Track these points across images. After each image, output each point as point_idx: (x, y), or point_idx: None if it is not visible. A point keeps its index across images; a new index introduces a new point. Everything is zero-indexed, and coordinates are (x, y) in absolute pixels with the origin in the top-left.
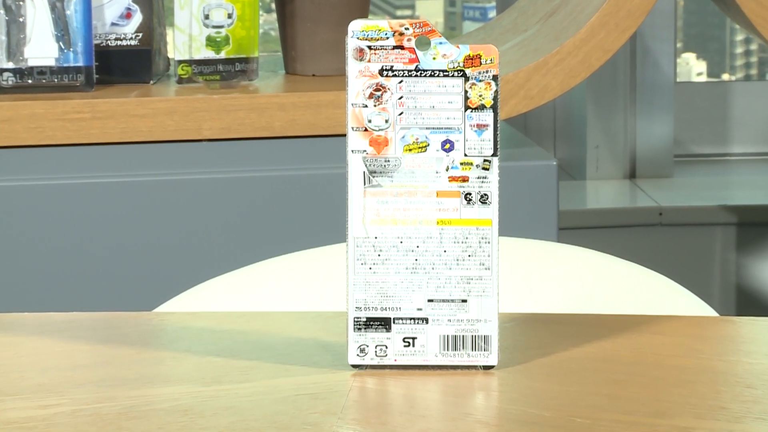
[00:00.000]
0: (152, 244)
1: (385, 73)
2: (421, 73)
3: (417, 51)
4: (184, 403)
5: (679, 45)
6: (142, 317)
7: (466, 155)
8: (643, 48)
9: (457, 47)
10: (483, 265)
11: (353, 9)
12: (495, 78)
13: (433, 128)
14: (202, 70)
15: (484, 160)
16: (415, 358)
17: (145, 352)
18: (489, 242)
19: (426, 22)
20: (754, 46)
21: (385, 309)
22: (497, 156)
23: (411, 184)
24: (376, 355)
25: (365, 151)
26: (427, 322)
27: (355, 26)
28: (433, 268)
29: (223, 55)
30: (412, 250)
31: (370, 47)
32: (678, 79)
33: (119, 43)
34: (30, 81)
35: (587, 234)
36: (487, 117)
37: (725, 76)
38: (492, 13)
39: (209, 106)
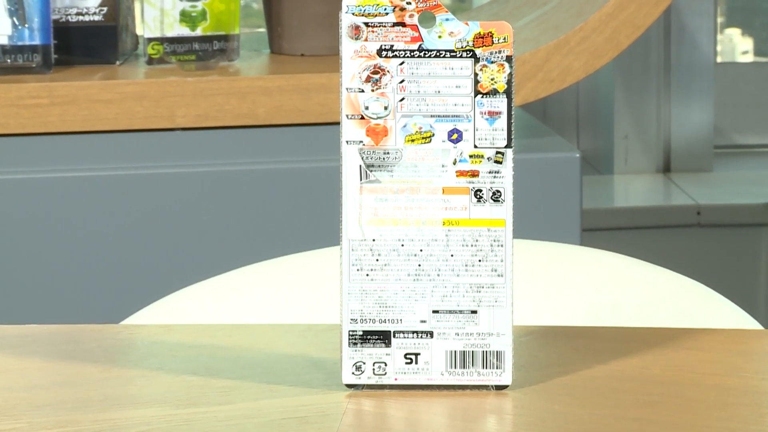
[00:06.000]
0: (119, 248)
1: (384, 53)
2: (425, 54)
3: (420, 28)
4: (155, 428)
5: (720, 19)
6: (108, 330)
7: (476, 147)
8: (679, 23)
9: (466, 24)
10: (495, 271)
11: None
12: (509, 59)
13: (439, 116)
14: (175, 49)
15: (497, 153)
16: (419, 377)
17: (112, 370)
18: (502, 245)
19: None
20: None
21: (385, 321)
22: (511, 147)
23: (413, 180)
24: (374, 373)
25: (362, 141)
26: (431, 336)
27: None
28: (438, 275)
29: (199, 31)
30: (415, 254)
31: (367, 24)
32: (719, 59)
33: (81, 18)
34: None
35: (614, 236)
36: (500, 103)
37: None
38: None
39: (183, 90)
